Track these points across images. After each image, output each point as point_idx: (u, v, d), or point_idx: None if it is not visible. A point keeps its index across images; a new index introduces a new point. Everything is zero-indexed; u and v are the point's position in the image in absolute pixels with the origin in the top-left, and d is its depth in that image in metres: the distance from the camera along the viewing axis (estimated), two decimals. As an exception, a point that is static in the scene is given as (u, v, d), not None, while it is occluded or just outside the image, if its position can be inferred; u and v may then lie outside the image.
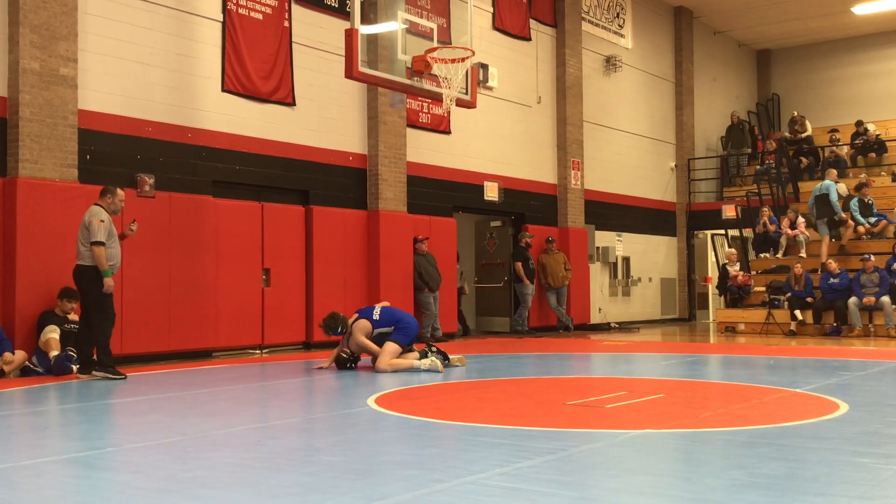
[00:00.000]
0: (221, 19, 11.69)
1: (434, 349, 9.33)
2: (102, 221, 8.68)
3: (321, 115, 12.98)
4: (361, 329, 9.19)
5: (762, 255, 17.90)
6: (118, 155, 10.59)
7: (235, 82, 11.81)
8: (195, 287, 11.14)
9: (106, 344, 8.81)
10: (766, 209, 18.09)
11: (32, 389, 7.92)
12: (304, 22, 12.75)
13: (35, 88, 9.63)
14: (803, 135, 21.71)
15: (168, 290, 10.85)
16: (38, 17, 9.67)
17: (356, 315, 9.44)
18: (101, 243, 8.63)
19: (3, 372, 8.79)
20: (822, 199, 16.75)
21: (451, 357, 9.44)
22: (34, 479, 4.32)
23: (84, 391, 7.90)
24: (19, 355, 8.96)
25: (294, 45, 12.55)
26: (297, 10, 12.64)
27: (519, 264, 16.00)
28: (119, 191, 9.04)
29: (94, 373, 8.66)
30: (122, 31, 10.67)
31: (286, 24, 12.46)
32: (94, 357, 9.06)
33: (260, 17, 12.11)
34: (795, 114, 22.28)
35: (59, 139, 9.82)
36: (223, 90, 11.71)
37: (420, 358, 9.12)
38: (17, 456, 4.96)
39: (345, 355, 9.38)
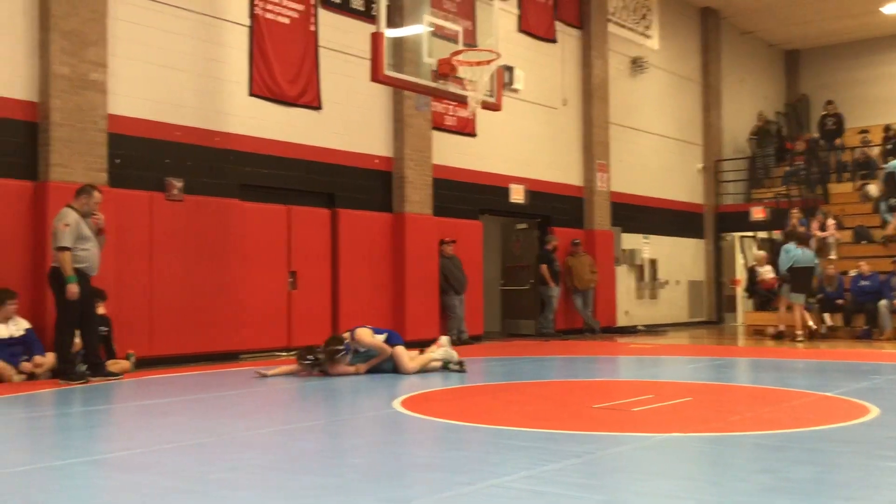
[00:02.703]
0: (249, 24, 11.77)
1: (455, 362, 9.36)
2: (68, 225, 8.43)
3: (347, 118, 13.02)
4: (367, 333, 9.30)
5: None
6: (147, 159, 10.69)
7: (262, 86, 11.88)
8: (222, 290, 11.22)
9: (65, 351, 8.54)
10: (795, 210, 17.90)
11: (62, 392, 8.01)
12: (331, 26, 12.81)
13: (65, 93, 9.75)
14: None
15: (196, 293, 10.94)
16: (69, 23, 9.79)
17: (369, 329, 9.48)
18: (65, 248, 8.39)
19: (35, 374, 8.89)
20: (893, 178, 16.45)
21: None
22: (65, 479, 4.38)
23: (113, 393, 7.99)
24: (50, 358, 9.02)
25: (320, 49, 12.61)
26: (323, 14, 12.70)
27: (544, 267, 15.96)
28: (96, 192, 8.79)
29: (59, 383, 8.39)
30: (150, 36, 10.77)
31: (312, 28, 12.52)
32: (103, 358, 9.03)
33: (287, 21, 12.18)
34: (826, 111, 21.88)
35: (88, 143, 9.93)
36: (250, 94, 11.79)
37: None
38: (48, 457, 5.03)
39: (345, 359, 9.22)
